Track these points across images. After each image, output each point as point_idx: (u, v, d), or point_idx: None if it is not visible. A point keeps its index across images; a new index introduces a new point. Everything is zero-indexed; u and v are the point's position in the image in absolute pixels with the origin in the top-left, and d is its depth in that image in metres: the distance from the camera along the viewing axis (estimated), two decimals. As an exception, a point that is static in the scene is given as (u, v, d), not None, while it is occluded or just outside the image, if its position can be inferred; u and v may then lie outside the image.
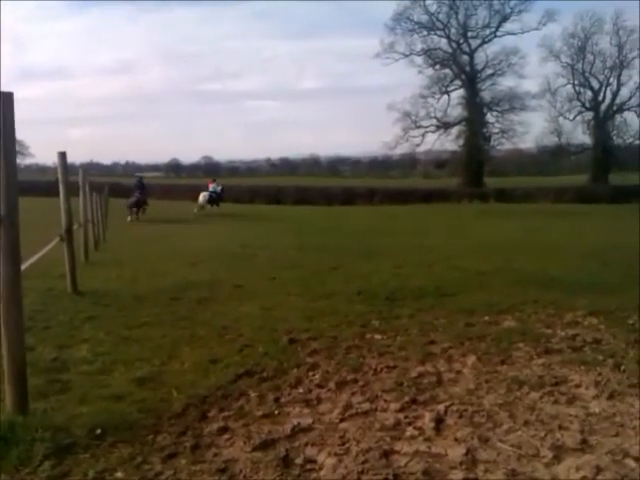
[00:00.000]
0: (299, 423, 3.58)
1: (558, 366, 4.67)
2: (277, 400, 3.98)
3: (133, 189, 27.27)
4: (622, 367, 4.61)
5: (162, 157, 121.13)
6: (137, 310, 6.74)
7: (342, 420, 3.64)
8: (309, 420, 3.64)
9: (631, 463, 3.07)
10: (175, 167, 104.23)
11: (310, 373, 4.53)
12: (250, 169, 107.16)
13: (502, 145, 57.17)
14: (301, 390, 4.18)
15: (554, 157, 60.81)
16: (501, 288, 8.02)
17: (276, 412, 3.78)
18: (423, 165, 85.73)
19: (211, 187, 30.44)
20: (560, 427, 3.49)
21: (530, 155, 66.68)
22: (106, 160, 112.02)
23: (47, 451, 3.04)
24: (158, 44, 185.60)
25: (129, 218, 24.73)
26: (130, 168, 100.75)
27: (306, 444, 3.31)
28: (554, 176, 60.13)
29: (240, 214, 29.22)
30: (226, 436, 3.44)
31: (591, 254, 11.74)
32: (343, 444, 3.29)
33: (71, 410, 3.66)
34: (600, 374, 4.47)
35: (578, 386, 4.23)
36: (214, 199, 29.57)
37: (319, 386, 4.25)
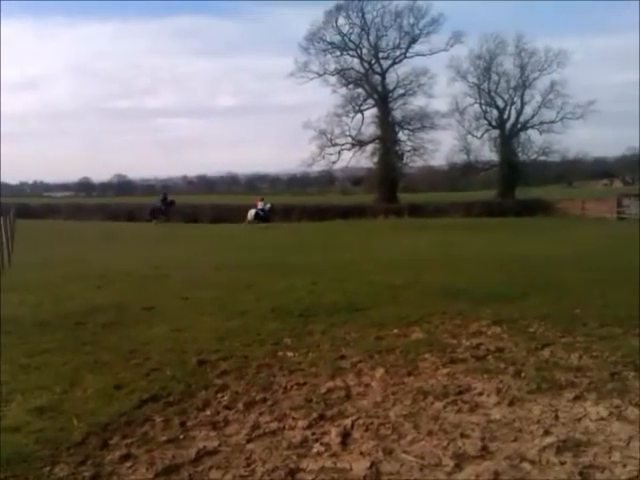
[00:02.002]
0: (205, 447, 3.52)
1: (462, 375, 4.83)
2: (183, 424, 3.90)
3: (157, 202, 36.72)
4: (522, 374, 4.83)
5: (72, 176, 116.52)
6: (39, 336, 6.41)
7: (249, 441, 3.61)
8: (215, 443, 3.59)
9: (527, 467, 3.21)
10: (86, 186, 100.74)
11: (219, 395, 4.47)
12: (166, 187, 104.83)
13: (414, 162, 58.74)
14: (208, 413, 4.12)
15: (464, 173, 63.26)
16: (411, 301, 8.21)
17: (181, 436, 3.70)
18: (340, 182, 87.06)
19: (260, 205, 33.98)
20: (462, 435, 3.60)
21: (441, 172, 68.97)
22: (12, 180, 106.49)
23: None
24: (69, 60, 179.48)
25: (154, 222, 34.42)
26: (38, 188, 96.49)
27: (210, 468, 3.26)
28: (464, 191, 62.60)
29: (154, 233, 28.50)
30: (128, 464, 3.33)
31: (497, 266, 12.24)
32: (248, 465, 3.26)
33: (-41, 447, 3.43)
34: (501, 381, 4.66)
35: (480, 394, 4.39)
36: (261, 216, 33.22)
37: (227, 407, 4.20)
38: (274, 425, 3.83)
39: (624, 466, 3.23)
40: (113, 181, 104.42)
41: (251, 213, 33.46)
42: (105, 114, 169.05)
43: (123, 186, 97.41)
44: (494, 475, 3.07)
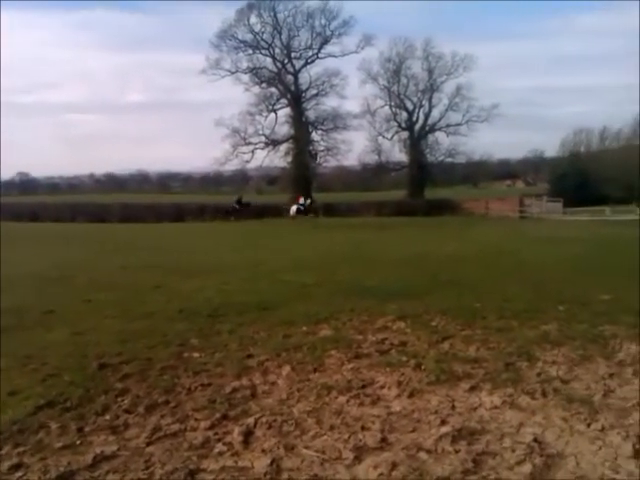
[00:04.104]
0: (102, 451, 3.41)
1: (366, 369, 4.94)
2: (80, 430, 3.76)
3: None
4: (423, 366, 4.99)
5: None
6: None
7: (149, 444, 3.53)
8: (114, 447, 3.48)
9: (424, 456, 3.32)
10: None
11: (119, 399, 4.33)
12: (71, 185, 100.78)
13: (328, 162, 59.46)
14: (108, 417, 3.98)
15: (376, 174, 64.69)
16: (321, 299, 8.28)
17: (78, 442, 3.57)
18: (255, 181, 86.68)
19: (301, 201, 39.04)
20: (363, 428, 3.67)
21: (354, 172, 70.19)
22: None
23: None
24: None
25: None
26: None
27: (108, 472, 3.17)
28: (376, 191, 64.03)
29: (59, 234, 27.27)
30: (19, 473, 3.19)
31: (405, 263, 12.59)
32: (147, 468, 3.19)
33: None
34: (403, 374, 4.79)
35: (382, 387, 4.50)
36: (302, 211, 37.76)
37: (127, 411, 4.08)
38: (175, 427, 3.75)
39: (513, 451, 3.40)
40: (15, 179, 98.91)
41: (293, 209, 38.14)
42: (6, 109, 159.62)
43: (26, 184, 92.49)
44: (392, 466, 3.16)
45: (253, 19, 53.74)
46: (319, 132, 57.22)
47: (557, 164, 70.23)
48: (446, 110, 59.60)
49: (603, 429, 3.70)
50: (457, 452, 3.37)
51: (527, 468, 3.19)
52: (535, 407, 4.07)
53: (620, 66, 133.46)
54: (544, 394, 4.30)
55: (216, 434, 3.61)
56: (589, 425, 3.76)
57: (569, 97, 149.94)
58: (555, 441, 3.54)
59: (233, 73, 54.54)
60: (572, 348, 5.50)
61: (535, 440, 3.52)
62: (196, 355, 5.45)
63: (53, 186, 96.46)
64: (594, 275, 10.22)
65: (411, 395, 4.32)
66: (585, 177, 59.46)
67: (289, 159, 56.68)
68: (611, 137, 71.23)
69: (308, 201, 39.48)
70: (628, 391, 4.41)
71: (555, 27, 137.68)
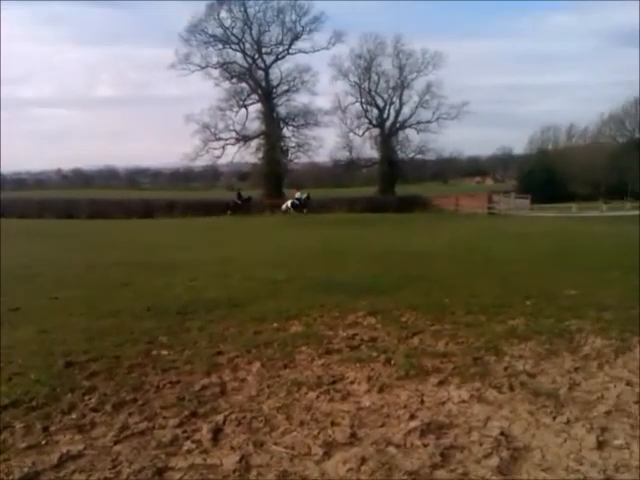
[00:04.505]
0: (68, 451, 3.36)
1: (336, 365, 4.95)
2: (46, 429, 3.69)
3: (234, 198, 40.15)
4: (392, 361, 5.02)
5: None
6: None
7: (116, 442, 3.48)
8: (80, 446, 3.43)
9: (393, 451, 3.34)
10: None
11: (86, 397, 4.26)
12: (38, 181, 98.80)
13: (299, 158, 59.60)
14: (74, 416, 3.92)
15: (347, 170, 64.96)
16: (292, 295, 8.27)
17: (43, 442, 3.51)
18: (226, 177, 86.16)
19: (297, 195, 38.61)
20: (333, 424, 3.68)
21: (325, 168, 70.34)
22: None
23: None
24: None
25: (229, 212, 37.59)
26: None
27: (74, 472, 3.12)
28: (348, 187, 64.19)
29: (25, 230, 26.72)
30: (-20, 476, 3.10)
31: (375, 259, 12.65)
32: (114, 467, 3.15)
33: None
34: (373, 369, 4.82)
35: (352, 382, 4.52)
36: (297, 205, 37.32)
37: (94, 410, 4.01)
38: (143, 425, 3.71)
39: (481, 445, 3.44)
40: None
41: (287, 204, 37.88)
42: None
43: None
44: (361, 461, 3.17)
45: (223, 14, 53.49)
46: (290, 128, 57.28)
47: (525, 161, 71.57)
48: (416, 107, 60.18)
49: (568, 422, 3.77)
50: (425, 446, 3.40)
51: (494, 461, 3.23)
52: (502, 401, 4.13)
53: (587, 65, 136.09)
54: (511, 388, 4.37)
55: (185, 432, 3.58)
56: (555, 418, 3.83)
57: (537, 95, 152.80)
58: (521, 434, 3.59)
59: (203, 68, 54.23)
60: (539, 342, 5.59)
61: (502, 434, 3.57)
62: (165, 353, 5.39)
63: (20, 182, 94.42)
64: (561, 270, 10.40)
65: (381, 390, 4.35)
66: (552, 174, 60.65)
67: (260, 155, 56.61)
68: (578, 135, 72.90)
69: (304, 195, 38.83)
70: (593, 384, 4.50)
71: (525, 26, 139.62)
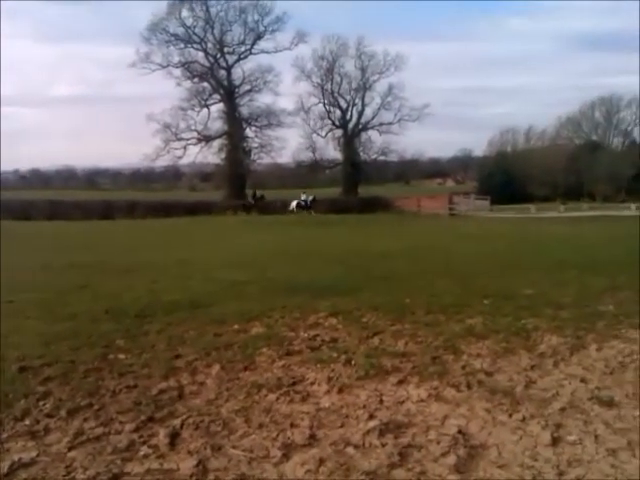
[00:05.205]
0: (20, 458, 3.27)
1: (297, 366, 4.94)
2: (-3, 437, 3.58)
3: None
4: (353, 361, 5.03)
5: None
6: None
7: (71, 449, 3.41)
8: (33, 453, 3.35)
9: (351, 451, 3.35)
10: None
11: (40, 402, 4.16)
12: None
13: (262, 159, 59.40)
14: (27, 422, 3.82)
15: (310, 171, 65.06)
16: (254, 296, 8.22)
17: (-6, 450, 3.39)
18: (188, 178, 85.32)
19: (303, 196, 40.34)
20: (292, 425, 3.67)
21: (288, 169, 70.23)
22: None
23: None
24: None
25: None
26: None
27: (26, 480, 3.02)
28: (311, 189, 64.18)
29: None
30: None
31: (337, 260, 12.68)
32: (68, 474, 3.09)
33: None
34: (333, 370, 4.82)
35: (313, 383, 4.51)
36: (302, 206, 39.03)
37: (49, 415, 3.92)
38: (99, 430, 3.64)
39: (438, 443, 3.47)
40: None
41: (293, 204, 39.42)
42: None
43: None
44: (319, 462, 3.17)
45: (185, 13, 53.01)
46: (253, 129, 57.07)
47: (485, 163, 72.70)
48: (379, 109, 60.68)
49: (524, 419, 3.83)
50: (384, 446, 3.41)
51: (451, 459, 3.26)
52: (460, 399, 4.18)
53: (545, 68, 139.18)
54: (469, 386, 4.42)
55: (141, 437, 3.52)
56: (511, 415, 3.89)
57: (496, 98, 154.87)
58: (478, 432, 3.64)
59: (164, 67, 53.64)
60: (496, 341, 5.68)
61: (459, 432, 3.61)
62: (122, 356, 5.29)
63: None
64: (518, 270, 10.60)
65: (340, 391, 4.35)
66: (511, 176, 61.77)
67: (223, 156, 56.25)
68: (536, 137, 74.40)
69: (311, 197, 40.23)
70: (548, 382, 4.59)
71: (483, 29, 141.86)
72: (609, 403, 4.09)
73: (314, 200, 40.26)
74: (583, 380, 4.61)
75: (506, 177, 60.99)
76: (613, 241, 17.11)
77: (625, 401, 4.14)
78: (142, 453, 3.31)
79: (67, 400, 4.20)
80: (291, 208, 39.40)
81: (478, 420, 3.82)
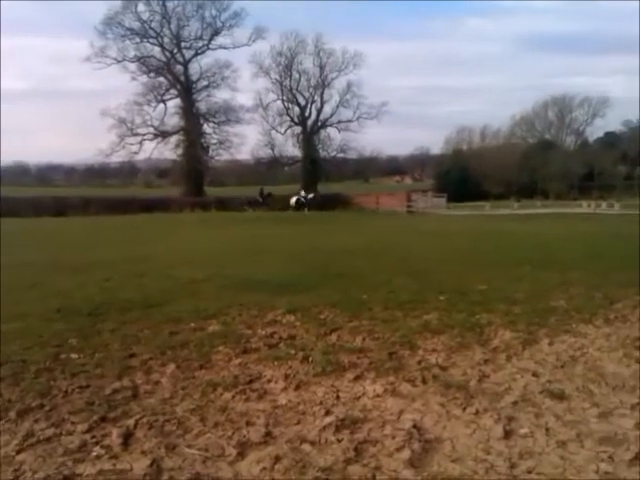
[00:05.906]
0: (-36, 464, 3.15)
1: (254, 364, 4.92)
2: (-60, 442, 3.45)
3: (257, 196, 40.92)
4: (310, 358, 5.05)
5: None
6: None
7: (20, 451, 3.32)
8: (-22, 459, 3.23)
9: (307, 448, 3.35)
10: None
11: (-13, 405, 4.02)
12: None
13: (220, 156, 58.95)
14: (-27, 426, 3.69)
15: (269, 168, 64.93)
16: (211, 294, 8.15)
17: (-63, 456, 3.27)
18: (144, 174, 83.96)
19: (302, 194, 40.59)
20: (247, 423, 3.66)
21: (247, 166, 69.85)
22: None
23: None
24: None
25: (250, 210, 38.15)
26: None
27: (-31, 486, 2.92)
28: (270, 186, 64.03)
29: None
30: None
31: (296, 257, 12.66)
32: (17, 477, 3.00)
33: None
34: (290, 367, 4.82)
35: (269, 381, 4.50)
36: (301, 203, 38.82)
37: (-4, 418, 3.80)
38: (50, 432, 3.55)
39: (393, 438, 3.51)
40: None
41: (292, 200, 39.48)
42: None
43: None
44: (275, 459, 3.16)
45: (141, 7, 52.27)
46: (211, 125, 56.58)
47: (441, 161, 73.87)
48: (337, 106, 60.98)
49: (477, 413, 3.91)
50: (340, 442, 3.43)
51: (406, 454, 3.30)
52: (415, 394, 4.23)
53: (500, 68, 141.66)
54: (424, 381, 4.49)
55: (93, 437, 3.45)
56: (464, 409, 3.96)
57: (453, 96, 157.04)
58: (433, 426, 3.70)
59: (119, 62, 52.71)
60: (451, 336, 5.78)
61: (414, 426, 3.66)
62: (74, 356, 5.18)
63: None
64: (473, 266, 10.78)
65: (297, 387, 4.36)
66: (467, 173, 62.93)
67: (180, 152, 55.62)
68: (491, 136, 75.92)
69: (310, 195, 40.44)
70: (501, 376, 4.69)
71: (441, 28, 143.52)
72: (560, 396, 4.20)
73: (314, 198, 40.71)
74: (535, 374, 4.72)
75: (462, 175, 62.09)
76: (566, 238, 17.57)
77: (575, 394, 4.26)
78: (94, 454, 3.24)
79: (17, 401, 4.09)
80: (292, 204, 39.49)
81: (433, 414, 3.87)
